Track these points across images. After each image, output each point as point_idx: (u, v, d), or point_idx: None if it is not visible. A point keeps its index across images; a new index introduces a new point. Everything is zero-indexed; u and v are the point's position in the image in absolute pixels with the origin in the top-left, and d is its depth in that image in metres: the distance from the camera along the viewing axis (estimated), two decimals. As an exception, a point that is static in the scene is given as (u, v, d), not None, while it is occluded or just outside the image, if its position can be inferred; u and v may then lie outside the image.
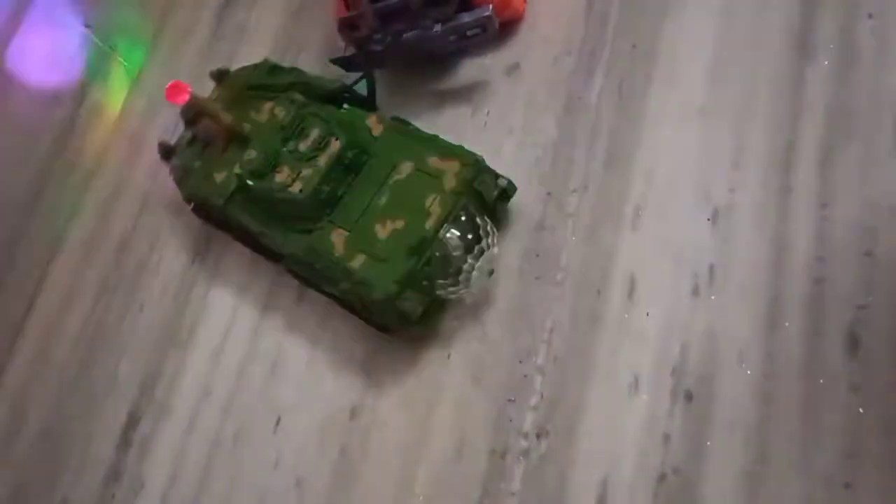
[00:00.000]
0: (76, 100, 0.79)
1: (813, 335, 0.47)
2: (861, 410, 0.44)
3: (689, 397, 0.49)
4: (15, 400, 0.72)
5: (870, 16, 0.53)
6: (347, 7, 0.64)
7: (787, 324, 0.48)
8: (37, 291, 0.76)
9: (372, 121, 0.59)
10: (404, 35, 0.62)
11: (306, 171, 0.56)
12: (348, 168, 0.56)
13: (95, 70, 0.81)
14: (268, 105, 0.61)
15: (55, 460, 0.67)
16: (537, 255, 0.56)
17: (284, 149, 0.57)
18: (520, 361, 0.54)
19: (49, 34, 0.76)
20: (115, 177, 0.79)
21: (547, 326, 0.54)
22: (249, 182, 0.57)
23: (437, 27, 0.61)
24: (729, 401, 0.48)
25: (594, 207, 0.56)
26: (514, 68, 0.64)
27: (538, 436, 0.51)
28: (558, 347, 0.53)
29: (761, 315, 0.49)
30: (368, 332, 0.59)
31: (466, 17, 0.60)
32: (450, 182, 0.53)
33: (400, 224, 0.53)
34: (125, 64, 0.80)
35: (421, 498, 0.53)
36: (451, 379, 0.55)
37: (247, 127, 0.60)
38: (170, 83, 0.62)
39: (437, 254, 0.52)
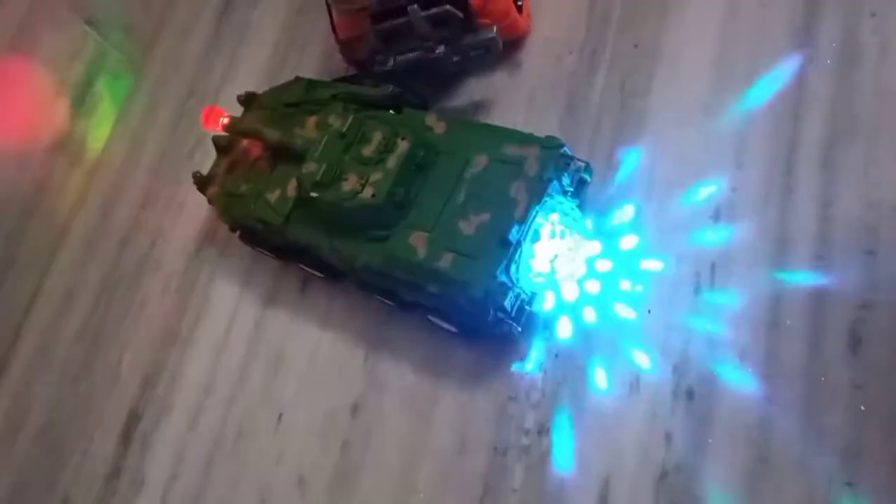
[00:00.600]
0: (77, 95, 0.79)
1: (814, 334, 0.47)
2: (863, 409, 0.44)
3: (690, 395, 0.49)
4: (16, 397, 0.72)
5: (872, 14, 0.53)
6: (349, 28, 0.63)
7: (788, 322, 0.48)
8: (37, 289, 0.76)
9: (432, 119, 0.56)
10: (407, 56, 0.61)
11: (376, 176, 0.53)
12: (420, 167, 0.54)
13: (95, 69, 0.81)
14: (312, 119, 0.59)
15: (56, 458, 0.67)
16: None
17: (347, 156, 0.54)
18: (521, 358, 0.54)
19: (49, 31, 0.76)
20: (116, 174, 0.79)
21: (548, 322, 0.54)
22: (314, 194, 0.54)
23: (441, 48, 0.60)
24: (730, 399, 0.48)
25: (596, 206, 0.56)
26: (516, 67, 0.64)
27: (539, 433, 0.51)
28: (559, 345, 0.53)
29: (763, 314, 0.49)
30: (370, 328, 0.59)
31: (470, 38, 0.59)
32: (532, 167, 0.51)
33: (486, 217, 0.50)
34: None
35: (422, 495, 0.53)
36: (453, 376, 0.55)
37: (299, 140, 0.58)
38: (204, 109, 0.61)
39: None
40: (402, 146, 0.53)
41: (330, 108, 0.58)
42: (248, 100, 0.66)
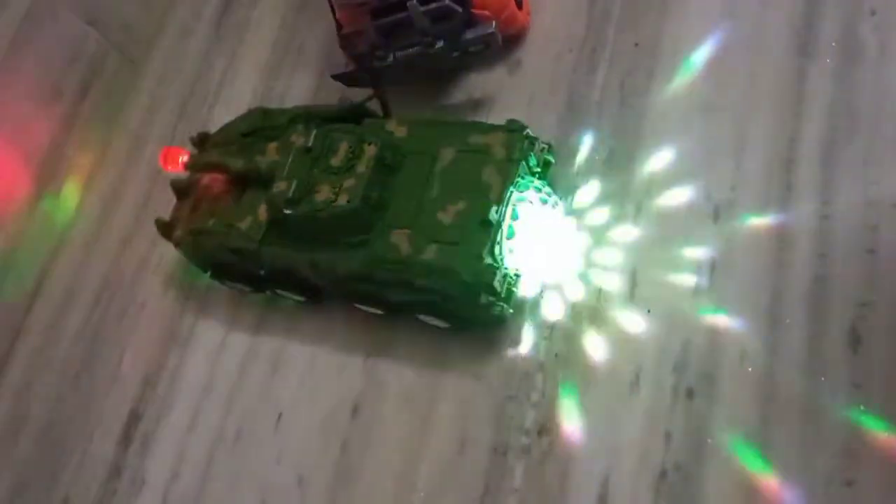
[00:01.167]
0: (75, 102, 0.79)
1: (814, 332, 0.47)
2: (862, 407, 0.44)
3: (690, 394, 0.49)
4: (16, 398, 0.71)
5: (872, 13, 0.53)
6: (349, 23, 0.63)
7: (788, 321, 0.48)
8: (37, 289, 0.76)
9: (392, 125, 0.57)
10: (406, 51, 0.61)
11: (348, 182, 0.53)
12: (389, 169, 0.54)
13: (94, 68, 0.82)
14: (272, 145, 0.59)
15: (56, 458, 0.67)
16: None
17: (316, 170, 0.54)
18: (521, 358, 0.54)
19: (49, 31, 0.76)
20: (116, 175, 0.79)
21: (548, 323, 0.54)
22: (287, 211, 0.54)
23: (440, 43, 0.60)
24: (730, 398, 0.48)
25: (596, 205, 0.56)
26: (515, 65, 0.64)
27: (539, 433, 0.51)
28: (559, 344, 0.53)
29: (763, 312, 0.49)
30: (370, 328, 0.59)
31: (470, 34, 0.59)
32: (499, 152, 0.52)
33: (462, 205, 0.51)
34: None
35: (422, 494, 0.53)
36: (452, 375, 0.55)
37: (263, 164, 0.58)
38: (162, 150, 0.62)
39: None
40: (370, 150, 0.54)
41: (290, 130, 0.59)
42: (201, 140, 0.65)
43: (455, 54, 0.61)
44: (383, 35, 0.61)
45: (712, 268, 0.51)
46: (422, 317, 0.55)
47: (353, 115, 0.61)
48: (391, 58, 0.62)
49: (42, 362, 0.72)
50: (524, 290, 0.54)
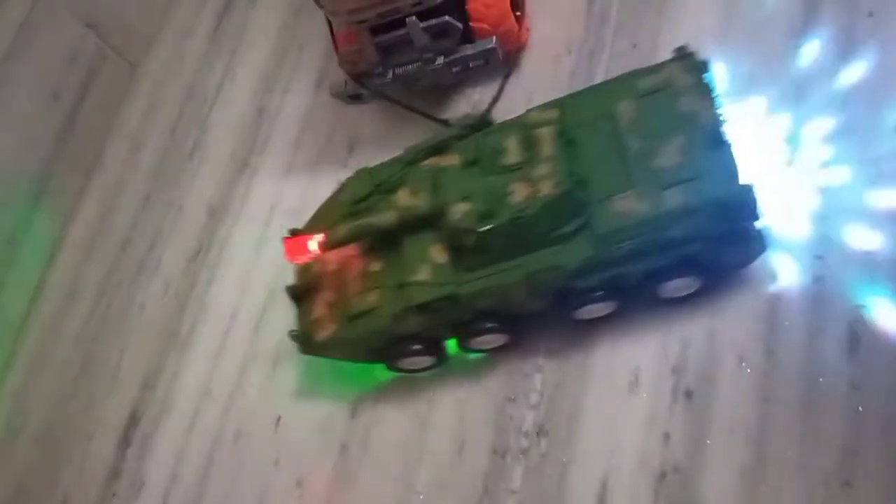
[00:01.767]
0: (73, 104, 0.79)
1: (813, 334, 0.47)
2: (860, 409, 0.44)
3: (689, 396, 0.49)
4: (16, 399, 0.71)
5: (870, 14, 0.53)
6: (348, 41, 0.63)
7: (787, 322, 0.48)
8: (38, 289, 0.76)
9: (535, 114, 0.52)
10: (406, 68, 0.61)
11: (540, 170, 0.48)
12: (573, 145, 0.49)
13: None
14: (402, 193, 0.53)
15: (56, 459, 0.66)
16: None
17: (491, 177, 0.49)
18: (520, 360, 0.54)
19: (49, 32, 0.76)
20: (114, 177, 0.79)
21: (546, 324, 0.54)
22: (485, 227, 0.48)
23: (441, 60, 0.60)
24: (729, 399, 0.48)
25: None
26: (514, 68, 0.64)
27: (538, 434, 0.51)
28: (558, 346, 0.53)
29: (761, 314, 0.49)
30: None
31: (470, 50, 0.59)
32: (685, 79, 0.49)
33: (680, 140, 0.47)
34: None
35: (422, 497, 0.53)
36: (452, 377, 0.55)
37: (422, 204, 0.52)
38: (286, 242, 0.54)
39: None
40: (546, 133, 0.50)
41: (412, 171, 0.54)
42: (299, 231, 0.57)
43: (455, 70, 0.61)
44: (383, 52, 0.61)
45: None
46: (666, 287, 0.50)
47: (479, 128, 0.55)
48: (391, 75, 0.61)
49: (42, 364, 0.72)
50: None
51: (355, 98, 0.64)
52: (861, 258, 0.48)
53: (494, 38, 0.59)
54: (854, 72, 0.53)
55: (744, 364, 0.48)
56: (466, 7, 0.59)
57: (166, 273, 0.71)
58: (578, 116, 0.51)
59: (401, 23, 0.58)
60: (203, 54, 0.82)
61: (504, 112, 0.62)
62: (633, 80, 0.50)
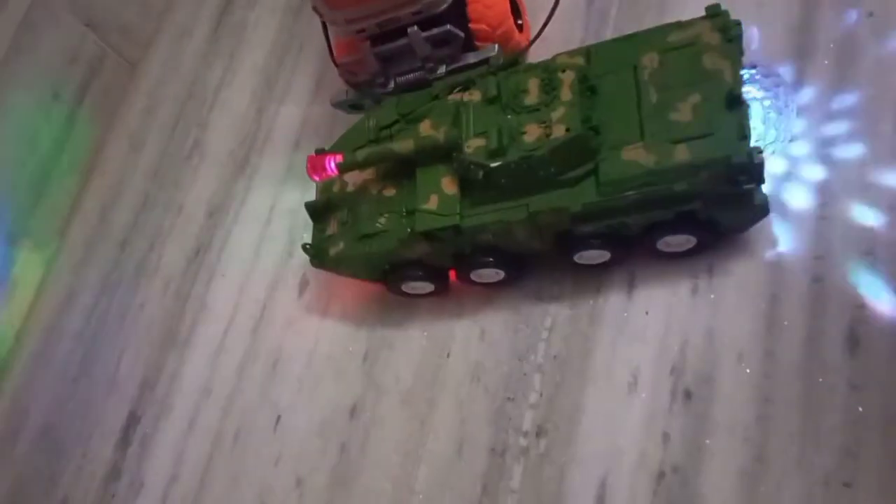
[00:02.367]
0: (73, 104, 0.79)
1: (812, 334, 0.47)
2: (860, 409, 0.44)
3: (688, 396, 0.49)
4: (16, 399, 0.72)
5: (870, 14, 0.53)
6: (348, 50, 0.62)
7: (786, 323, 0.48)
8: (38, 289, 0.76)
9: (564, 59, 0.52)
10: (407, 77, 0.61)
11: (557, 113, 0.49)
12: (594, 91, 0.50)
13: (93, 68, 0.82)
14: (425, 123, 0.54)
15: (55, 459, 0.67)
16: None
17: (509, 115, 0.50)
18: (519, 360, 0.54)
19: (48, 33, 0.76)
20: (114, 176, 0.79)
21: (546, 325, 0.54)
22: (494, 164, 0.49)
23: (442, 68, 0.59)
24: (728, 400, 0.48)
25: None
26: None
27: (537, 434, 0.51)
28: (557, 346, 0.53)
29: (761, 314, 0.49)
30: (368, 331, 0.59)
31: (471, 58, 0.59)
32: (713, 37, 0.48)
33: (697, 97, 0.47)
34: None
35: (421, 496, 0.53)
36: (451, 377, 0.55)
37: (439, 136, 0.52)
38: (309, 158, 0.56)
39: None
40: (568, 77, 0.50)
41: (437, 103, 0.55)
42: (324, 150, 0.59)
43: None
44: (383, 61, 0.61)
45: (710, 269, 0.51)
46: (664, 241, 0.50)
47: (508, 66, 0.56)
48: (392, 84, 0.61)
49: (41, 364, 0.72)
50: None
51: (357, 108, 0.64)
52: (861, 258, 0.48)
53: (496, 45, 0.58)
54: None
55: (743, 364, 0.48)
56: (467, 8, 0.58)
57: (166, 273, 0.71)
58: (603, 64, 0.51)
59: (400, 32, 0.58)
60: (203, 54, 0.82)
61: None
62: (662, 34, 0.50)
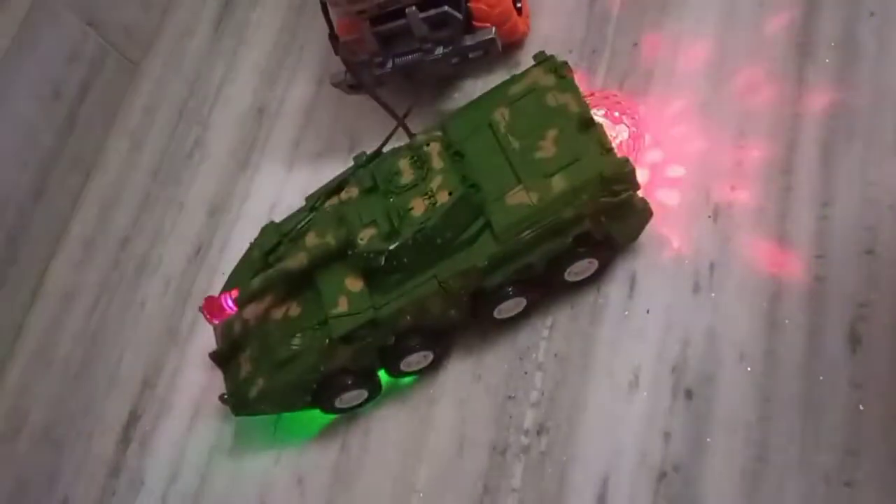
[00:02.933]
0: (74, 103, 0.79)
1: (813, 333, 0.47)
2: (861, 408, 0.44)
3: (689, 395, 0.49)
4: (16, 397, 0.71)
5: (871, 14, 0.53)
6: (348, 30, 0.63)
7: (787, 321, 0.48)
8: (38, 289, 0.76)
9: (423, 138, 0.55)
10: (405, 58, 0.61)
11: (434, 183, 0.51)
12: (461, 156, 0.53)
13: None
14: (309, 235, 0.55)
15: (56, 457, 0.66)
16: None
17: (392, 199, 0.52)
18: (520, 358, 0.54)
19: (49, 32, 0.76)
20: (115, 175, 0.79)
21: (547, 323, 0.54)
22: (394, 245, 0.50)
23: (440, 50, 0.60)
24: (729, 398, 0.48)
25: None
26: (514, 67, 0.64)
27: (538, 433, 0.51)
28: (558, 344, 0.53)
29: (762, 313, 0.49)
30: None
31: (469, 40, 0.60)
32: (548, 80, 0.53)
33: (554, 132, 0.51)
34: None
35: (421, 495, 0.53)
36: (451, 375, 0.55)
37: (330, 241, 0.53)
38: (203, 306, 0.54)
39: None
40: (435, 147, 0.53)
41: (317, 212, 0.56)
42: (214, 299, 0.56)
43: (455, 60, 0.61)
44: (382, 42, 0.61)
45: (711, 268, 0.51)
46: (571, 272, 0.53)
47: (369, 162, 0.57)
48: (390, 64, 0.62)
49: (42, 362, 0.72)
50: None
51: (356, 88, 0.64)
52: (861, 256, 0.48)
53: (493, 28, 0.59)
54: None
55: (744, 363, 0.48)
56: (469, 4, 0.59)
57: (167, 271, 0.71)
58: (460, 131, 0.54)
59: (401, 13, 0.59)
60: (204, 52, 0.82)
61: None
62: (504, 89, 0.54)
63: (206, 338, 0.65)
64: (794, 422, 0.46)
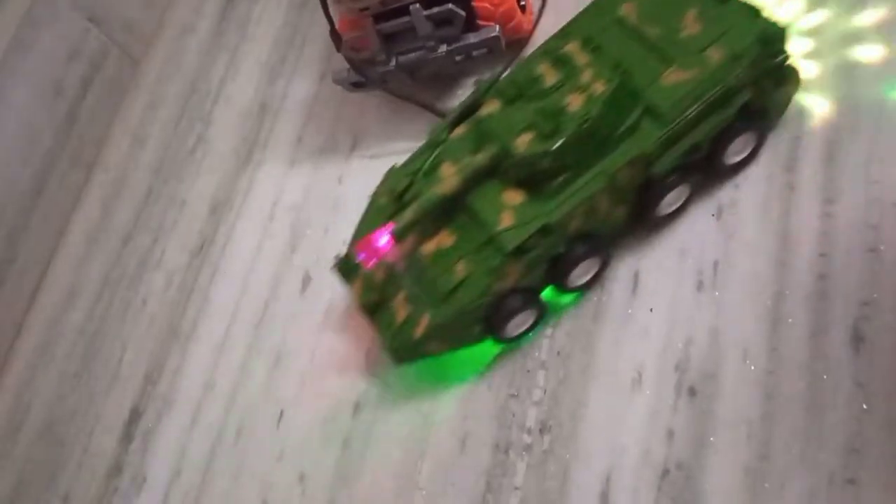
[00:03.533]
0: (76, 99, 0.79)
1: (817, 331, 0.47)
2: (865, 406, 0.44)
3: (692, 393, 0.49)
4: (17, 394, 0.71)
5: (875, 12, 0.53)
6: (351, 28, 0.63)
7: (790, 320, 0.48)
8: (39, 286, 0.76)
9: (551, 42, 0.55)
10: (408, 56, 0.61)
11: (584, 77, 0.50)
12: (600, 49, 0.52)
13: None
14: (444, 166, 0.53)
15: (57, 455, 0.66)
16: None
17: (537, 103, 0.51)
18: (522, 356, 0.54)
19: (51, 28, 0.76)
20: (117, 172, 0.79)
21: (550, 321, 0.54)
22: (556, 145, 0.48)
23: (443, 48, 0.60)
24: (732, 396, 0.48)
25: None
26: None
27: (541, 431, 0.51)
28: (561, 342, 0.53)
29: (765, 311, 0.49)
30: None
31: (473, 38, 0.59)
32: None
33: (692, 12, 0.50)
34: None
35: (424, 492, 0.53)
36: (454, 373, 0.55)
37: (479, 157, 0.51)
38: (357, 250, 0.52)
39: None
40: (573, 46, 0.52)
41: (446, 147, 0.54)
42: (346, 257, 0.55)
43: (458, 58, 0.61)
44: (385, 40, 0.61)
45: (715, 266, 0.51)
46: (731, 152, 0.52)
47: (492, 84, 0.56)
48: (393, 62, 0.61)
49: (43, 359, 0.72)
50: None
51: (358, 85, 0.64)
52: (865, 255, 0.48)
53: (497, 26, 0.59)
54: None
55: (747, 361, 0.48)
56: (473, 3, 0.59)
57: (169, 268, 0.71)
58: (587, 30, 0.53)
59: (404, 10, 0.59)
60: (206, 49, 0.82)
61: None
62: None
63: (208, 333, 0.65)
64: (798, 420, 0.45)
